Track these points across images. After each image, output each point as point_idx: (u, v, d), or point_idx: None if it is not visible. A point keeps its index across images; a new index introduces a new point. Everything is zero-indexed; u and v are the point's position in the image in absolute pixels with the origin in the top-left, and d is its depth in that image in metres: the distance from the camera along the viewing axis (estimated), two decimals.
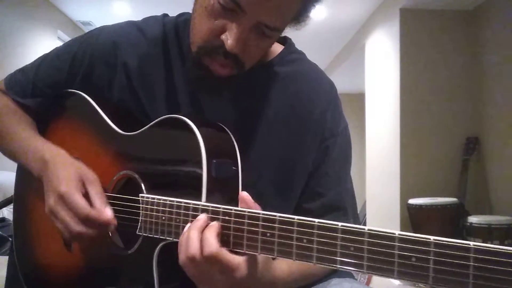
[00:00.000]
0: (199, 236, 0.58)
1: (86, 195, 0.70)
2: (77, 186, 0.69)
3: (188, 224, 0.62)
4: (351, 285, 0.73)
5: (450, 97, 3.65)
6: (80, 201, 0.68)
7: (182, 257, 0.59)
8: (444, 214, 3.21)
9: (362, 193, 4.66)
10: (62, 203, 0.68)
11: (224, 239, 0.59)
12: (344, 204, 0.80)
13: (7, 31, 3.66)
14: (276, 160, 0.77)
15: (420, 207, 3.30)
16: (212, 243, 0.57)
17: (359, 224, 0.78)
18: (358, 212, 0.86)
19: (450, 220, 3.20)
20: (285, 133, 0.78)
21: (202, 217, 0.60)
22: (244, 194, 0.61)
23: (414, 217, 3.39)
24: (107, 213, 0.68)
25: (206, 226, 0.59)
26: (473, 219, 3.03)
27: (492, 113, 3.44)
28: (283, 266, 0.68)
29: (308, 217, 0.76)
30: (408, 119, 3.67)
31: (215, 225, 0.59)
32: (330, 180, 0.79)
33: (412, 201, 3.38)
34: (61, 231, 0.70)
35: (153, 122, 0.74)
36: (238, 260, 0.57)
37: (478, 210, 3.36)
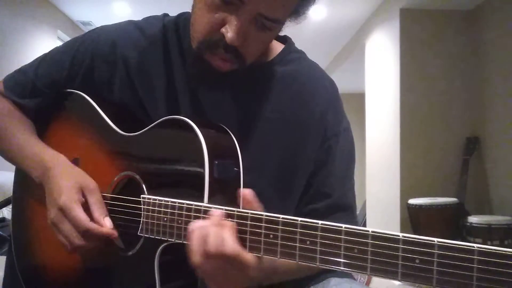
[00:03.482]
0: (218, 233, 0.56)
1: (86, 204, 0.71)
2: (76, 197, 0.70)
3: (199, 221, 0.60)
4: (351, 285, 0.73)
5: (450, 97, 3.65)
6: (80, 214, 0.69)
7: (197, 253, 0.57)
8: (444, 214, 3.22)
9: (362, 193, 4.65)
10: (62, 216, 0.70)
11: None
12: (350, 203, 0.80)
13: (7, 31, 3.66)
14: (276, 159, 0.77)
15: (420, 207, 3.30)
16: (233, 241, 0.56)
17: (357, 223, 0.78)
18: (358, 212, 0.86)
19: (450, 220, 3.20)
20: (285, 132, 0.78)
21: (218, 213, 0.59)
22: (246, 191, 0.61)
23: (414, 217, 3.39)
24: (106, 224, 0.70)
25: (220, 223, 0.58)
26: (473, 219, 3.04)
27: (492, 113, 3.44)
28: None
29: (314, 216, 0.75)
30: (408, 119, 3.67)
31: (231, 223, 0.58)
32: (336, 180, 0.78)
33: (412, 201, 3.38)
34: (64, 243, 0.71)
35: (155, 123, 0.74)
36: (253, 258, 0.57)
37: (478, 210, 3.36)
